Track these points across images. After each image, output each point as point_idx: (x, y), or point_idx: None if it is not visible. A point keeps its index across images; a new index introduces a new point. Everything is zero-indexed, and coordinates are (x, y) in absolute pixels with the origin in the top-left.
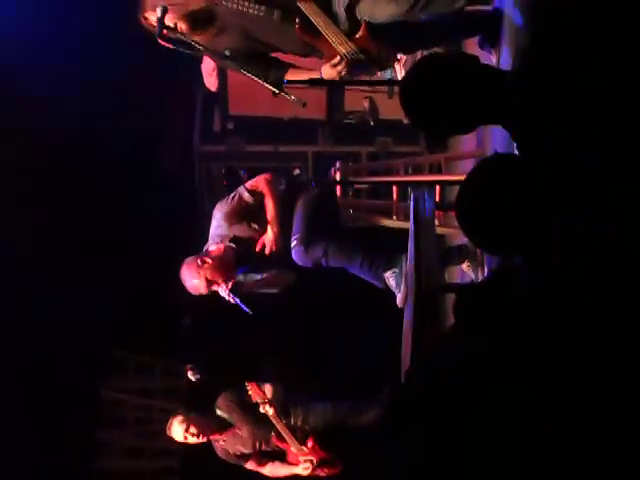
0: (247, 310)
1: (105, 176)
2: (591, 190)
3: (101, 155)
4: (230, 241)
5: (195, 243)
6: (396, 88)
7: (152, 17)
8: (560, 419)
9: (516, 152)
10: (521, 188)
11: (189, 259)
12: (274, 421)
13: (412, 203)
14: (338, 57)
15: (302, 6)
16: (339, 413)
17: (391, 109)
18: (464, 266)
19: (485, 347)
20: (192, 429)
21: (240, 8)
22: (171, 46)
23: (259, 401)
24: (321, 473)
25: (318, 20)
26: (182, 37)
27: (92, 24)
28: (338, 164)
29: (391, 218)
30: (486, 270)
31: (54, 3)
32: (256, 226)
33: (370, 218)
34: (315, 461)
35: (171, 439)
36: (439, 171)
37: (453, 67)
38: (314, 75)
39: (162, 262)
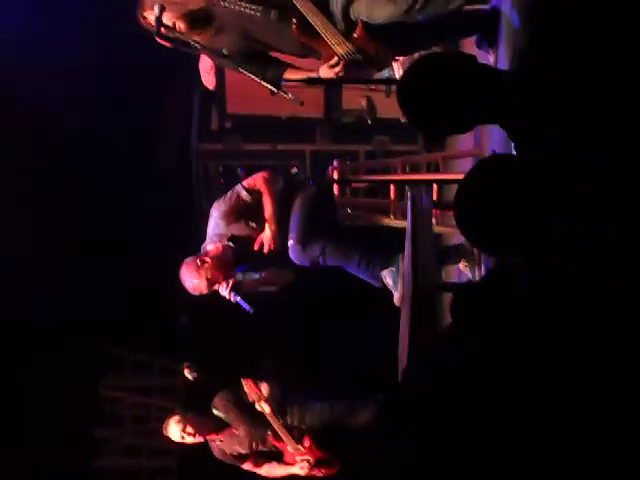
0: (249, 309)
1: (102, 174)
2: (589, 191)
3: (99, 154)
4: (228, 240)
5: (193, 241)
6: (394, 87)
7: (151, 16)
8: (559, 419)
9: (514, 152)
10: (519, 189)
11: (188, 260)
12: (270, 419)
13: (409, 202)
14: (336, 58)
15: (299, 5)
16: (336, 412)
17: (389, 108)
18: (461, 265)
19: (483, 347)
20: (189, 429)
21: (237, 8)
22: (169, 44)
23: (255, 398)
24: (318, 473)
25: (315, 20)
26: (180, 36)
27: (91, 23)
28: (336, 163)
29: (389, 217)
30: (483, 269)
31: (53, 3)
32: (254, 224)
33: (368, 217)
34: (312, 460)
35: (168, 439)
36: (437, 170)
37: (451, 66)
38: (312, 75)
39: (160, 260)
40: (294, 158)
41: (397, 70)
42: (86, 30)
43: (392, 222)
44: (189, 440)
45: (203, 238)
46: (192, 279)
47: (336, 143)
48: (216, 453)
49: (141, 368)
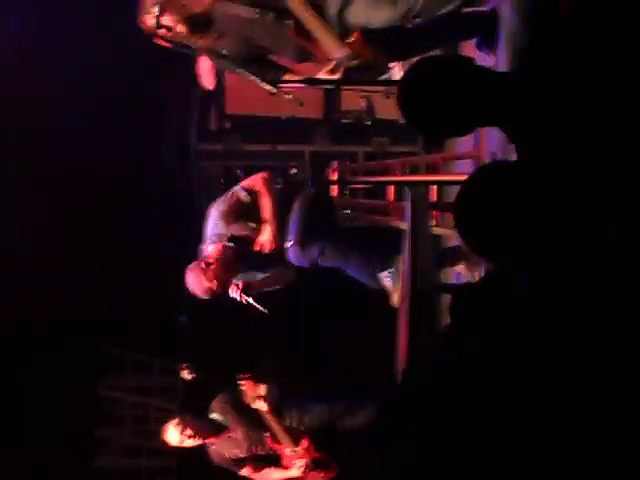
0: (262, 309)
1: (102, 174)
2: (589, 191)
3: (98, 154)
4: (228, 240)
5: (192, 242)
6: (393, 88)
7: (151, 20)
8: (559, 419)
9: (514, 153)
10: (519, 196)
11: (192, 266)
12: (268, 418)
13: (409, 203)
14: (333, 63)
15: (294, 8)
16: (334, 414)
17: (388, 109)
18: (460, 267)
19: (482, 347)
20: (188, 431)
21: (235, 11)
22: (169, 45)
23: (253, 396)
24: (316, 477)
25: (311, 23)
26: (181, 38)
27: (92, 24)
28: (335, 164)
29: (387, 218)
30: (482, 271)
31: (53, 4)
32: (253, 225)
33: (366, 218)
34: (310, 462)
35: (167, 444)
36: (436, 171)
37: (450, 69)
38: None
39: (160, 260)
40: (293, 159)
41: (397, 72)
42: (86, 30)
43: (391, 223)
44: (188, 443)
45: (202, 238)
46: (201, 283)
47: (335, 144)
48: (214, 458)
49: (141, 368)
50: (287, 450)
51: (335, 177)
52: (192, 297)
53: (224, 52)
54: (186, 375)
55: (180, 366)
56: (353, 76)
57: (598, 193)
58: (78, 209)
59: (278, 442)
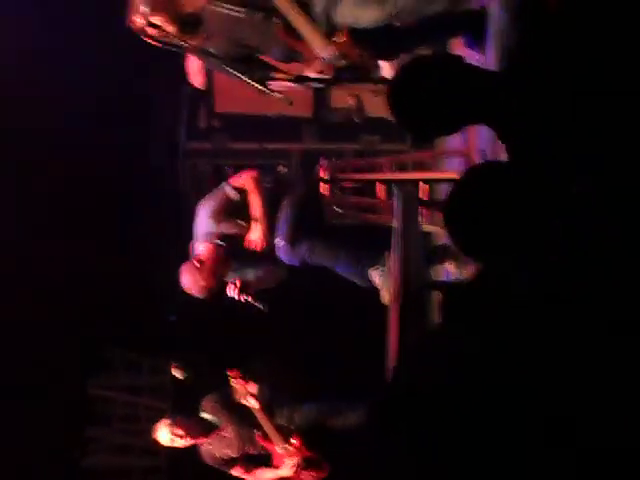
0: (261, 307)
1: (90, 173)
2: (589, 191)
3: (87, 152)
4: (217, 238)
5: (181, 240)
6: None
7: (140, 20)
8: (557, 419)
9: (503, 151)
10: (515, 196)
11: (184, 266)
12: (258, 416)
13: (398, 201)
14: (320, 62)
15: (281, 7)
16: (325, 412)
17: (377, 107)
18: (449, 265)
19: (476, 345)
20: (178, 431)
21: (223, 10)
22: (159, 44)
23: (243, 393)
24: (307, 477)
25: (298, 22)
26: (170, 38)
27: (80, 22)
28: (324, 162)
29: (377, 216)
30: (471, 269)
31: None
32: (243, 223)
33: (356, 216)
34: (301, 461)
35: (158, 443)
36: (425, 168)
37: (440, 68)
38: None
39: (149, 259)
40: (282, 157)
41: (386, 70)
42: (74, 28)
43: (380, 221)
44: (179, 443)
45: (191, 236)
46: (197, 282)
47: (324, 142)
48: (205, 458)
49: (131, 367)
50: (278, 448)
51: (324, 175)
52: (186, 296)
53: (213, 51)
54: (176, 374)
55: (170, 365)
56: (342, 75)
57: (598, 193)
58: (66, 207)
59: (269, 440)
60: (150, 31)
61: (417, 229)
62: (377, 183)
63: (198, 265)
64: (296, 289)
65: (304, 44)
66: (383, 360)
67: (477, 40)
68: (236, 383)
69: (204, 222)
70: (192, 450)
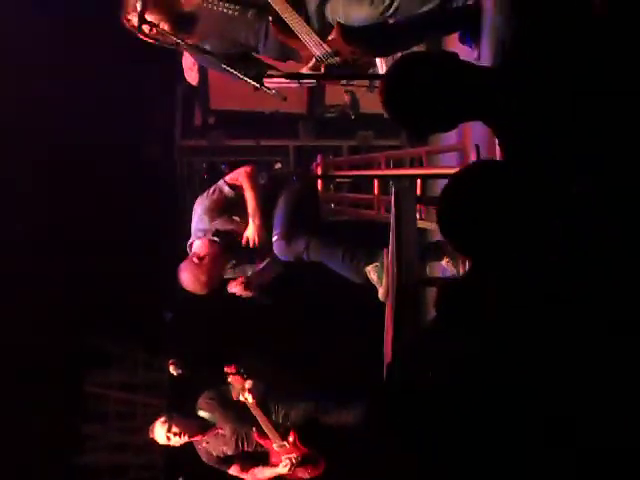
0: (265, 301)
1: (85, 170)
2: (589, 190)
3: (81, 149)
4: (213, 235)
5: (176, 237)
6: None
7: (134, 19)
8: (557, 418)
9: (497, 146)
10: (511, 196)
11: (183, 265)
12: (254, 411)
13: (393, 197)
14: (314, 60)
15: (273, 4)
16: (321, 409)
17: (372, 103)
18: (444, 262)
19: (474, 344)
20: (174, 428)
21: (217, 9)
22: (153, 41)
23: (239, 388)
24: (304, 474)
25: (290, 20)
26: (164, 36)
27: (75, 19)
28: (319, 158)
29: (372, 212)
30: (467, 265)
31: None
32: (238, 219)
33: (351, 212)
34: (297, 457)
35: (155, 442)
36: (420, 164)
37: (435, 65)
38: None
39: (144, 257)
40: (278, 154)
41: (381, 66)
42: (69, 25)
43: (376, 217)
44: (175, 441)
45: (187, 233)
46: (197, 278)
47: (319, 138)
48: (203, 456)
49: (126, 364)
50: (275, 445)
51: (319, 171)
52: (185, 293)
53: (208, 48)
54: (173, 370)
55: (166, 362)
56: (336, 71)
57: (598, 192)
58: (60, 204)
59: (265, 437)
60: (145, 29)
61: (413, 225)
62: (373, 179)
63: (197, 261)
64: (292, 286)
65: (298, 42)
66: (379, 357)
67: (471, 35)
68: (232, 378)
69: (199, 219)
70: (188, 447)
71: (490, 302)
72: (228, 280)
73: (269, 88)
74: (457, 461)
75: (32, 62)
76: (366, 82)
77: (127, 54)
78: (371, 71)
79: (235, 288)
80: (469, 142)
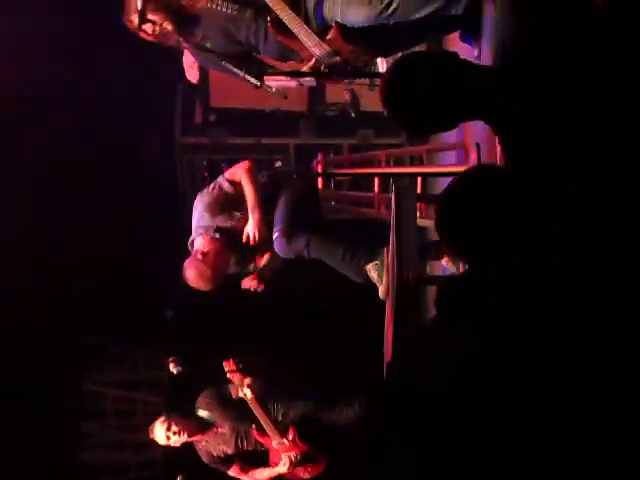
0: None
1: (85, 168)
2: (589, 193)
3: (84, 146)
4: (214, 232)
5: (177, 235)
6: (377, 80)
7: (137, 20)
8: (557, 419)
9: (497, 145)
10: (512, 201)
11: (188, 262)
12: (253, 408)
13: (394, 195)
14: (314, 60)
15: (270, 4)
16: (320, 408)
17: (372, 101)
18: (444, 260)
19: (475, 345)
20: (174, 427)
21: (216, 8)
22: (153, 39)
23: (237, 383)
24: (304, 474)
25: (288, 20)
26: (167, 34)
27: (75, 15)
28: (320, 156)
29: (373, 210)
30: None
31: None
32: (239, 215)
33: (352, 210)
34: (297, 455)
35: (154, 442)
36: (421, 163)
37: (434, 65)
38: (293, 82)
39: (145, 254)
40: (278, 152)
41: (381, 64)
42: (69, 22)
43: (376, 215)
44: (174, 440)
45: (187, 231)
46: (203, 274)
47: (320, 136)
48: (203, 456)
49: (127, 362)
50: (274, 443)
51: (320, 169)
52: (189, 290)
53: (208, 45)
54: (173, 369)
55: (167, 360)
56: (336, 70)
57: (598, 196)
58: (60, 201)
59: (265, 435)
60: (148, 29)
61: (413, 224)
62: (373, 177)
63: (201, 258)
64: (293, 284)
65: (298, 42)
66: (379, 355)
67: (472, 33)
68: (231, 374)
69: (200, 216)
70: (188, 446)
71: (490, 301)
72: (232, 276)
73: (270, 86)
74: (457, 460)
75: (32, 62)
76: (366, 80)
77: (128, 52)
78: (371, 69)
79: (250, 283)
80: (470, 140)
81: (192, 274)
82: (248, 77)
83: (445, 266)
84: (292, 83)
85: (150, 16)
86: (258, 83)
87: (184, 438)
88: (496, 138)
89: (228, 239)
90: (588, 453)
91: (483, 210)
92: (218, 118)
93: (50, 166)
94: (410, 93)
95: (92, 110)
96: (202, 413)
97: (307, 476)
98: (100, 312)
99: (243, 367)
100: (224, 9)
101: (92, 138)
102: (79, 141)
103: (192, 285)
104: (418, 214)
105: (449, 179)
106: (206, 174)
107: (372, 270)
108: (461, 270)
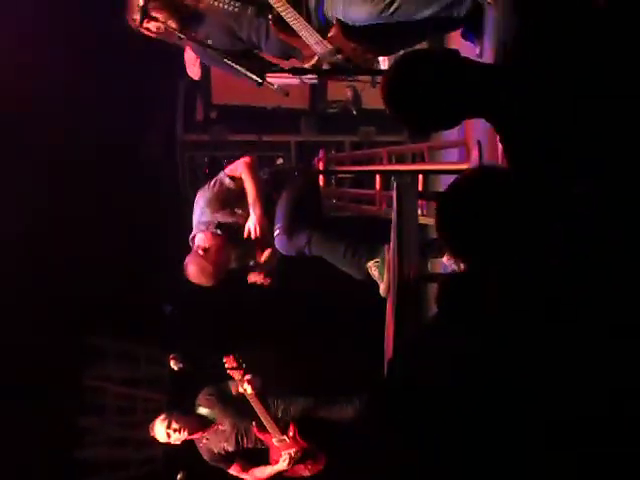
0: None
1: (86, 165)
2: (590, 193)
3: (85, 144)
4: (215, 227)
5: (179, 232)
6: (379, 78)
7: (140, 17)
8: (558, 421)
9: (499, 143)
10: (513, 201)
11: (189, 258)
12: (253, 403)
13: (395, 192)
14: (316, 58)
15: (272, 2)
16: (321, 404)
17: (374, 98)
18: (445, 258)
19: (476, 344)
20: (174, 425)
21: (219, 5)
22: (154, 35)
23: (237, 378)
24: (304, 471)
25: (290, 17)
26: (171, 32)
27: (76, 14)
28: (321, 153)
29: (374, 207)
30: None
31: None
32: (240, 211)
33: (353, 207)
34: (297, 452)
35: (155, 440)
36: (422, 160)
37: (436, 63)
38: (295, 79)
39: (146, 250)
40: (280, 149)
41: (383, 61)
42: (70, 20)
43: (377, 213)
44: (175, 437)
45: (189, 227)
46: (205, 269)
47: (321, 134)
48: (204, 454)
49: (127, 359)
50: (274, 440)
51: (321, 167)
52: (191, 286)
53: (209, 42)
54: (173, 365)
55: (167, 356)
56: (338, 67)
57: (598, 195)
58: (61, 197)
59: (265, 431)
60: (152, 27)
61: (415, 221)
62: (375, 175)
63: (202, 253)
64: (294, 281)
65: (300, 40)
66: (380, 353)
67: (474, 31)
68: (232, 370)
69: (201, 212)
70: (188, 442)
71: (491, 299)
72: (233, 272)
73: (272, 84)
74: (458, 458)
75: (32, 61)
76: (368, 78)
77: (129, 50)
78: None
79: (256, 277)
80: (471, 138)
81: (193, 270)
82: (250, 75)
83: (446, 264)
84: (294, 80)
85: (154, 14)
86: (260, 81)
87: (184, 436)
88: (497, 136)
89: (229, 235)
90: (589, 456)
91: (483, 212)
92: (219, 115)
93: (50, 166)
94: (412, 91)
95: (92, 110)
96: (202, 411)
97: (307, 473)
98: (102, 309)
99: (244, 363)
100: (227, 6)
101: (92, 138)
102: (79, 141)
103: (193, 281)
104: (419, 212)
105: (451, 177)
106: (207, 171)
107: (373, 268)
108: (462, 268)
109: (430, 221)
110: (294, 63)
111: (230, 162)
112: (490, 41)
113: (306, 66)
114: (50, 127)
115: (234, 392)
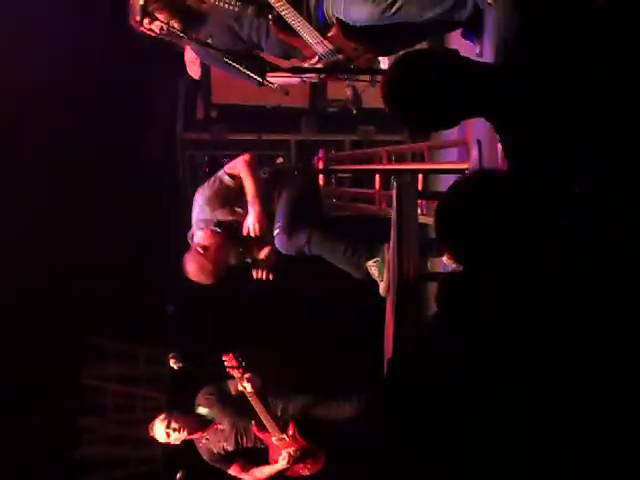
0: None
1: (86, 164)
2: (591, 191)
3: (85, 143)
4: (214, 225)
5: (179, 230)
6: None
7: (142, 17)
8: (559, 419)
9: (499, 142)
10: (513, 200)
11: (188, 255)
12: (253, 402)
13: (395, 191)
14: (316, 58)
15: (272, 1)
16: (320, 403)
17: (374, 98)
18: (445, 257)
19: (476, 343)
20: (173, 424)
21: (221, 5)
22: (155, 34)
23: (237, 376)
24: (304, 470)
25: (290, 17)
26: (173, 31)
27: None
28: (321, 152)
29: (374, 206)
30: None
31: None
32: (239, 209)
33: (353, 207)
34: (296, 451)
35: (155, 440)
36: (422, 159)
37: (436, 62)
38: (295, 79)
39: (146, 249)
40: (279, 148)
41: (383, 61)
42: (70, 17)
43: (377, 212)
44: (174, 437)
45: (189, 226)
46: (204, 267)
47: (321, 133)
48: (204, 454)
49: (127, 358)
50: (274, 439)
51: (321, 166)
52: (190, 284)
53: (210, 40)
54: (173, 364)
55: (167, 355)
56: (338, 66)
57: (599, 193)
58: (61, 197)
59: (264, 430)
60: (155, 27)
61: (414, 220)
62: (374, 174)
63: (202, 251)
64: (294, 280)
65: (300, 40)
66: (380, 352)
67: (474, 30)
68: (231, 369)
69: (201, 209)
70: (188, 442)
71: (492, 297)
72: (233, 269)
73: (272, 83)
74: (458, 457)
75: (32, 61)
76: (368, 77)
77: (129, 49)
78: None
79: (260, 274)
80: (471, 138)
81: (193, 268)
82: (250, 74)
83: (446, 263)
84: (294, 79)
85: (157, 15)
86: (260, 80)
87: (184, 435)
88: (497, 136)
89: (228, 233)
90: (590, 454)
91: (483, 217)
92: (220, 114)
93: (50, 166)
94: (411, 91)
95: (92, 110)
96: (202, 410)
97: (307, 472)
98: (102, 308)
99: (243, 362)
100: (229, 6)
101: (92, 138)
102: (79, 141)
103: (193, 279)
104: (419, 211)
105: (450, 176)
106: (207, 170)
107: (373, 267)
108: (462, 267)
109: (430, 220)
110: (294, 63)
111: (230, 161)
112: (490, 41)
113: (306, 65)
114: (50, 127)
115: (233, 391)
